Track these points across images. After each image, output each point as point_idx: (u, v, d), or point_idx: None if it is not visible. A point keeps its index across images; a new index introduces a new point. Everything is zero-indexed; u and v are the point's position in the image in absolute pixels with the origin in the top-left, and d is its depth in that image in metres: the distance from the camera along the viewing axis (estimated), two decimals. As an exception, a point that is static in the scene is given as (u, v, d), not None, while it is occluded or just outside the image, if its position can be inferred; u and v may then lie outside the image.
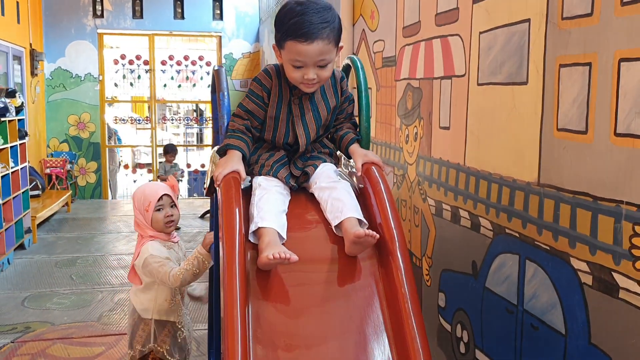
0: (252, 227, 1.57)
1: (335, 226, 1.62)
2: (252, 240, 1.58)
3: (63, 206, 7.76)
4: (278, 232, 1.57)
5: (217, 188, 1.69)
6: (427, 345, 1.42)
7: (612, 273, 1.49)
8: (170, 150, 7.29)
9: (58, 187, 8.21)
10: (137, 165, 10.47)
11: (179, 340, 2.42)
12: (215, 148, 1.97)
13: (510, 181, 1.97)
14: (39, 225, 6.55)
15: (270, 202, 1.63)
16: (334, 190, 1.67)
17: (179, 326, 2.42)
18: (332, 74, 1.79)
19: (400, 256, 1.55)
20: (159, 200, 2.40)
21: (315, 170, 1.76)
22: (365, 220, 1.62)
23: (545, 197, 1.78)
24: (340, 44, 1.69)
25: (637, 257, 1.41)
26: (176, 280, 2.26)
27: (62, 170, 8.29)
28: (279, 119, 1.77)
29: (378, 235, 1.54)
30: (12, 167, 5.57)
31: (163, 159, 7.50)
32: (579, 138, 1.62)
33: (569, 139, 1.67)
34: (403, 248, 1.57)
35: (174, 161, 7.30)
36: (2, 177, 5.30)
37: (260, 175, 1.75)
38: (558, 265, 1.71)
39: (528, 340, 1.88)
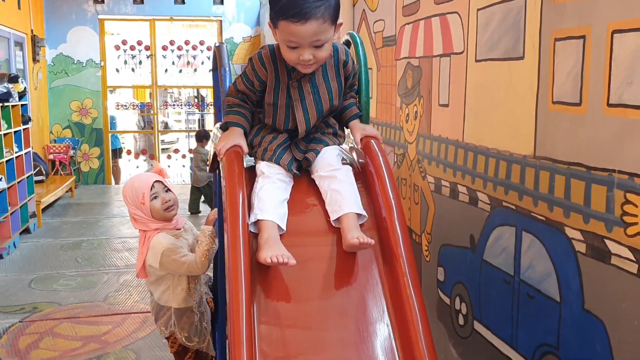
0: (252, 218, 1.56)
1: (334, 220, 1.60)
2: (252, 230, 1.56)
3: (67, 191, 7.83)
4: (278, 225, 1.55)
5: (220, 162, 1.72)
6: (429, 333, 1.42)
7: (605, 240, 1.53)
8: (204, 136, 7.16)
9: (62, 172, 8.28)
10: (141, 151, 10.52)
11: (197, 325, 2.43)
12: (218, 125, 2.00)
13: (507, 155, 2.01)
14: (44, 210, 6.62)
15: (270, 191, 1.61)
16: (333, 180, 1.65)
17: (196, 311, 2.43)
18: (336, 54, 1.73)
19: (399, 230, 1.56)
20: (151, 189, 2.33)
21: (317, 156, 1.71)
22: (364, 213, 1.60)
23: (540, 169, 1.82)
24: (339, 21, 1.62)
25: (628, 224, 1.45)
26: (204, 264, 2.27)
27: (65, 156, 8.35)
28: (278, 106, 1.70)
29: (373, 242, 1.51)
30: (16, 152, 5.62)
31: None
32: (573, 110, 1.66)
33: (563, 111, 1.70)
34: (402, 220, 1.60)
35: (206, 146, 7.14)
36: (7, 161, 5.36)
37: (263, 159, 1.72)
38: (553, 235, 1.76)
39: (525, 309, 1.93)
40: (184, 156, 9.98)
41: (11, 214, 5.33)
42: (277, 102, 1.70)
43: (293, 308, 1.50)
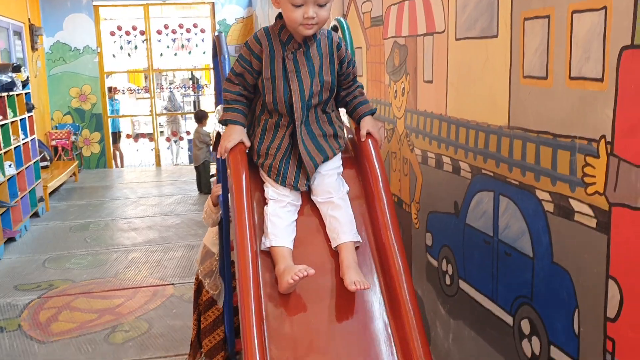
0: (267, 244, 1.74)
1: (334, 246, 1.77)
2: (263, 249, 1.75)
3: (71, 176, 8.01)
4: (291, 249, 1.73)
5: (225, 159, 1.86)
6: (426, 342, 1.61)
7: (569, 200, 1.72)
8: (202, 117, 7.33)
9: (64, 158, 8.45)
10: (139, 135, 10.68)
11: (214, 273, 2.71)
12: (220, 107, 2.17)
13: (485, 126, 2.19)
14: (50, 194, 6.81)
15: (282, 215, 1.76)
16: (330, 205, 1.80)
17: (216, 263, 2.70)
18: (330, 35, 1.85)
19: (390, 226, 1.76)
20: None
21: (315, 169, 1.81)
22: (359, 239, 1.77)
23: (514, 138, 2.00)
24: None
25: (588, 184, 1.64)
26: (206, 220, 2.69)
27: (67, 142, 8.52)
28: (275, 77, 1.81)
29: (369, 286, 1.66)
30: (22, 139, 5.79)
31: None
32: (540, 83, 1.84)
33: (532, 84, 1.88)
34: (393, 214, 1.78)
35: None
36: (15, 148, 5.54)
37: (269, 176, 1.82)
38: (526, 198, 1.95)
39: (503, 266, 2.13)
40: (181, 138, 10.16)
41: (21, 198, 5.53)
42: (274, 74, 1.79)
43: (300, 314, 1.67)
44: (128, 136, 10.39)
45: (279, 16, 1.77)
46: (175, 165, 10.32)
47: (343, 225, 1.77)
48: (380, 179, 1.83)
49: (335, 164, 1.87)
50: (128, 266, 4.61)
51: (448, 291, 2.59)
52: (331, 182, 1.83)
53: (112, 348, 3.20)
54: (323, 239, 1.81)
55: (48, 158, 7.64)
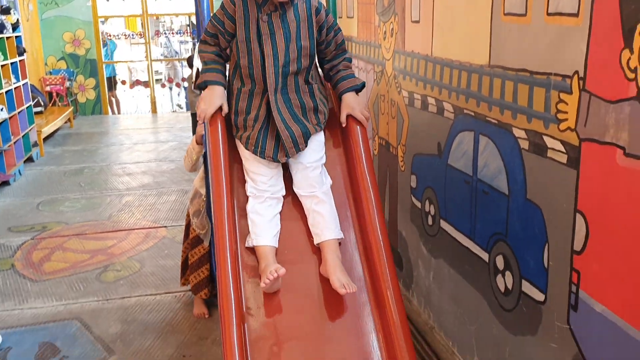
0: (248, 243, 1.72)
1: (317, 243, 1.76)
2: (248, 246, 1.74)
3: (66, 122, 8.00)
4: (272, 246, 1.71)
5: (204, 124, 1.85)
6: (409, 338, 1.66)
7: (543, 136, 1.74)
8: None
9: (59, 104, 8.41)
10: (135, 82, 10.60)
11: (201, 213, 2.77)
12: (198, 45, 2.15)
13: (467, 66, 2.18)
14: (45, 140, 6.82)
15: (262, 211, 1.73)
16: (314, 199, 1.76)
17: (203, 203, 2.76)
18: (308, 0, 1.77)
19: (376, 220, 1.78)
20: None
21: (297, 152, 1.76)
22: (341, 235, 1.76)
23: (494, 77, 2.00)
24: None
25: (560, 120, 1.65)
26: (185, 160, 2.82)
27: (61, 88, 8.46)
28: (250, 40, 1.72)
29: (356, 288, 1.65)
30: (14, 83, 5.76)
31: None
32: (520, 20, 1.83)
33: (512, 21, 1.87)
34: (379, 207, 1.79)
35: None
36: (6, 92, 5.51)
37: (246, 148, 1.76)
38: (503, 136, 1.97)
39: (481, 204, 2.16)
40: (178, 85, 10.09)
41: (14, 143, 5.55)
42: (248, 37, 1.71)
43: (280, 308, 1.70)
44: (123, 82, 10.31)
45: None
46: (173, 112, 10.30)
47: (327, 222, 1.74)
48: (369, 180, 1.81)
49: (317, 154, 1.82)
50: (121, 209, 4.67)
51: (430, 231, 2.64)
52: (314, 175, 1.79)
53: (103, 286, 3.28)
54: (306, 231, 1.80)
55: (42, 104, 7.60)
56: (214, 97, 1.76)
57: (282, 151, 1.75)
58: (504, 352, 2.04)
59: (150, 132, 8.03)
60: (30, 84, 6.99)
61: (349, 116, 1.83)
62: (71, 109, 8.27)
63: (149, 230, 4.13)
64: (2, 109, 5.27)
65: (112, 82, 9.75)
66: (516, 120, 1.88)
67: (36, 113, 6.95)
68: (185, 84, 9.94)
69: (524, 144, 1.85)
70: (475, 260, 2.21)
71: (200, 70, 1.82)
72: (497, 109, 1.99)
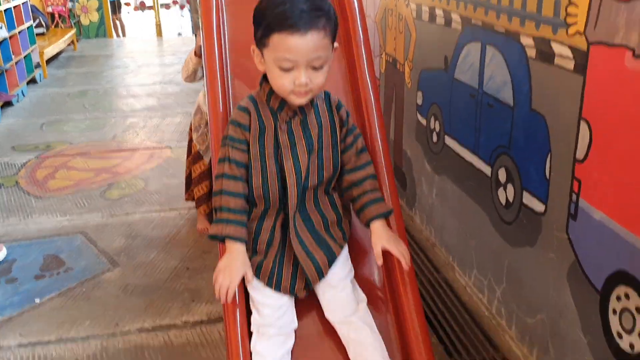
0: None
1: None
2: None
3: (69, 44, 7.89)
4: None
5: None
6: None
7: (550, 43, 1.67)
8: None
9: (62, 25, 8.26)
10: (140, 4, 10.37)
11: (203, 131, 2.75)
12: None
13: (476, -29, 2.09)
14: (48, 62, 6.74)
15: (266, 354, 1.39)
16: (351, 326, 1.44)
17: (204, 120, 2.74)
18: (327, 96, 1.49)
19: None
20: None
21: (320, 279, 1.44)
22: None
23: (503, -19, 1.91)
24: (335, 44, 1.38)
25: (569, 24, 1.58)
26: (183, 68, 2.77)
27: (63, 9, 8.28)
28: (265, 155, 1.41)
29: None
30: (12, 1, 5.63)
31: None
32: None
33: None
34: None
35: None
36: (5, 11, 5.40)
37: (258, 278, 1.43)
38: (510, 45, 1.90)
39: (485, 118, 2.12)
40: (182, 7, 9.86)
41: (16, 63, 5.47)
42: (263, 152, 1.41)
43: None
44: (127, 4, 10.08)
45: (264, 79, 1.42)
46: (179, 35, 10.11)
47: (373, 355, 1.41)
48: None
49: (345, 269, 1.49)
50: (126, 130, 4.65)
51: (434, 148, 2.60)
52: (345, 295, 1.47)
53: (108, 203, 3.30)
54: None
55: (44, 24, 7.47)
56: (236, 268, 1.37)
57: (301, 279, 1.44)
58: (502, 264, 2.05)
59: (155, 55, 7.91)
60: (31, 4, 6.85)
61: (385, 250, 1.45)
62: (74, 30, 8.12)
63: (153, 151, 4.12)
64: (1, 27, 5.17)
65: (115, 5, 9.52)
66: (524, 27, 1.81)
67: (38, 34, 6.84)
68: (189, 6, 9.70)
69: (531, 52, 1.78)
70: (477, 174, 2.19)
71: (215, 212, 1.43)
72: (505, 16, 1.91)
